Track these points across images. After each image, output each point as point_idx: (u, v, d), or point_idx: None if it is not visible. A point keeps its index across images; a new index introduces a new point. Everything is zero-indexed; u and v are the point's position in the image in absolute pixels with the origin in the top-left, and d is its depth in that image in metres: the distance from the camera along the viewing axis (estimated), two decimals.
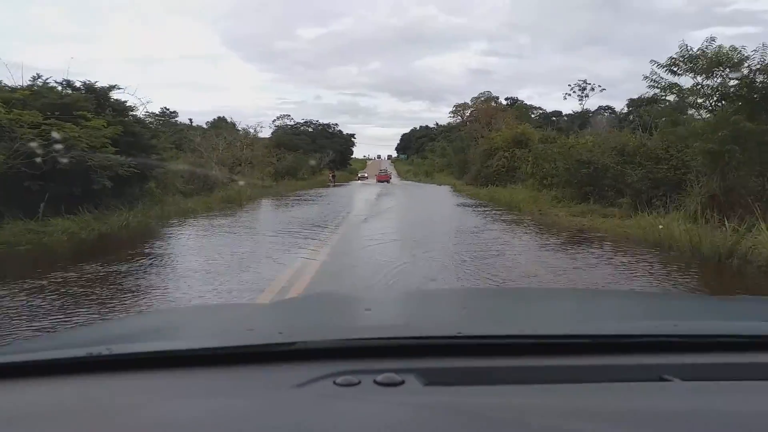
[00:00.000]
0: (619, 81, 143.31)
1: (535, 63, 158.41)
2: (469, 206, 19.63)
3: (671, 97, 12.13)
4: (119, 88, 14.79)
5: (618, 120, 49.58)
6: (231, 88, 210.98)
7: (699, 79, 10.98)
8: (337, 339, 1.05)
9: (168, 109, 58.07)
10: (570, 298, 2.24)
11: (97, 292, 5.95)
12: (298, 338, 1.03)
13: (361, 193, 30.73)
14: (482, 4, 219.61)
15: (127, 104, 15.36)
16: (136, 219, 12.14)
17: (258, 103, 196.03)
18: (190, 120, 58.92)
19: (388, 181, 57.21)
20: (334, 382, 0.85)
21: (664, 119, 13.43)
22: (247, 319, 1.60)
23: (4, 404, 0.84)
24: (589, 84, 71.99)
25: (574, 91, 72.78)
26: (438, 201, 24.02)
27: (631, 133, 18.54)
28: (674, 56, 11.12)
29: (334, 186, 43.33)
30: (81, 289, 6.00)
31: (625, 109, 65.31)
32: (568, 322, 1.46)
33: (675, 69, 11.14)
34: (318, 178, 49.09)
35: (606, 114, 68.71)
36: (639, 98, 64.52)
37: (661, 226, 9.45)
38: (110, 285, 6.30)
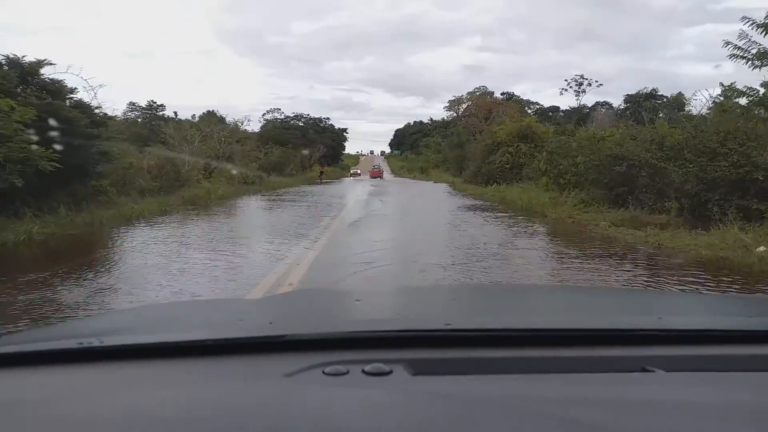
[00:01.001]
0: (613, 77, 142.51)
1: (529, 59, 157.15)
2: (479, 210, 16.43)
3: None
4: (51, 64, 12.00)
5: (616, 116, 47.28)
6: (224, 83, 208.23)
7: None
8: (326, 330, 1.09)
9: (155, 102, 55.25)
10: (559, 294, 2.39)
11: None
12: (287, 329, 1.09)
13: (352, 192, 27.83)
14: None
15: (65, 85, 12.58)
16: (48, 230, 9.30)
17: (251, 98, 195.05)
18: (175, 113, 56.11)
19: (381, 177, 58.64)
20: (323, 372, 0.86)
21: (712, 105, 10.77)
22: (238, 312, 1.59)
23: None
24: (586, 79, 70.21)
25: (570, 86, 70.98)
26: (439, 202, 20.91)
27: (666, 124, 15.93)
28: None
29: (323, 183, 40.00)
30: None
31: (623, 105, 63.74)
32: (554, 315, 1.47)
33: None
34: (307, 174, 46.35)
35: (603, 109, 66.75)
36: (637, 93, 63.41)
37: (762, 248, 6.82)
38: None
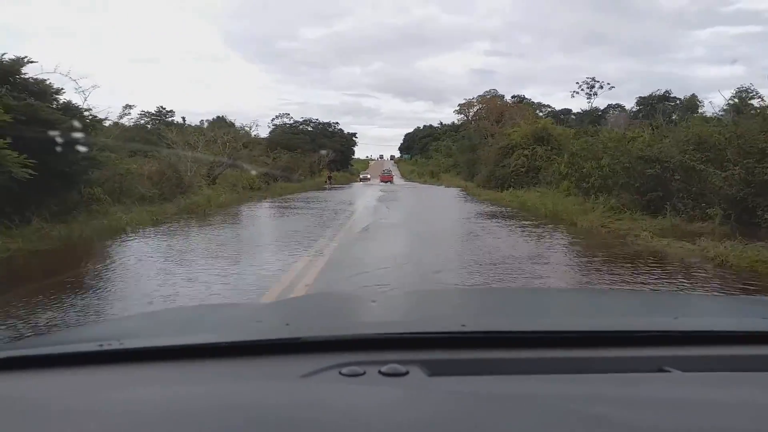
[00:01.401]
0: (622, 81, 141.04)
1: (538, 63, 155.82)
2: (500, 218, 14.88)
3: None
4: (32, 62, 11.06)
5: (630, 118, 46.03)
6: (233, 89, 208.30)
7: None
8: (342, 332, 1.09)
9: (164, 108, 54.78)
10: (573, 296, 2.46)
11: None
12: (304, 331, 1.10)
13: (361, 198, 26.74)
14: (484, 3, 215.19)
15: (50, 85, 11.64)
16: (16, 245, 8.23)
17: (260, 103, 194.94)
18: (183, 118, 55.52)
19: (391, 181, 58.65)
20: (340, 373, 0.86)
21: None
22: (254, 315, 1.60)
23: (20, 394, 0.85)
24: (598, 82, 69.19)
25: (582, 89, 69.99)
26: (454, 208, 19.62)
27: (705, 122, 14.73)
28: None
29: (331, 189, 38.81)
30: None
31: (636, 108, 62.45)
32: (569, 317, 1.48)
33: None
34: (316, 180, 45.34)
35: (616, 112, 65.60)
36: (650, 96, 62.14)
37: None
38: None
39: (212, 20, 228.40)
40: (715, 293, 5.88)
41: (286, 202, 22.19)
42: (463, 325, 1.05)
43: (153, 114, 65.78)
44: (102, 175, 16.59)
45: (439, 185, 46.63)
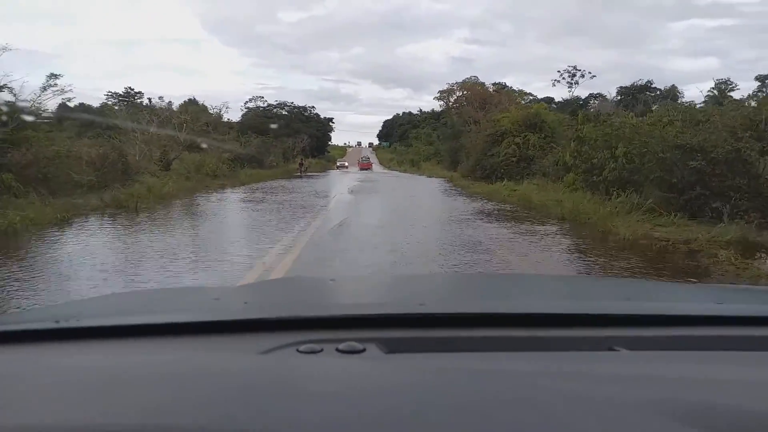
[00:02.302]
0: (601, 71, 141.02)
1: (517, 52, 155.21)
2: (504, 220, 11.84)
3: None
4: None
5: (614, 107, 44.15)
6: (211, 73, 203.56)
7: None
8: (301, 313, 1.07)
9: (132, 89, 51.04)
10: (538, 281, 2.45)
11: None
12: (263, 310, 1.15)
13: (337, 187, 24.02)
14: None
15: None
16: None
17: (238, 88, 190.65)
18: (149, 99, 51.84)
19: (370, 169, 57.52)
20: (297, 350, 0.86)
21: None
22: (214, 297, 1.54)
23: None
24: (579, 70, 67.49)
25: (563, 78, 68.15)
26: (445, 205, 16.15)
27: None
28: None
29: (303, 177, 35.43)
30: None
31: (618, 97, 60.98)
32: (530, 300, 1.48)
33: None
34: (289, 166, 42.43)
35: (598, 101, 64.16)
36: (632, 86, 60.91)
37: None
38: None
39: (189, 2, 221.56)
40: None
41: (245, 193, 19.09)
42: (422, 305, 1.10)
43: (121, 95, 61.92)
44: (22, 159, 13.86)
45: (420, 175, 43.98)
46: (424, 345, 0.93)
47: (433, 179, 34.81)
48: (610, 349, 0.93)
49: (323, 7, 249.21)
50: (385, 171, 57.44)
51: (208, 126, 28.07)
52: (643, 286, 2.74)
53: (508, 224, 11.18)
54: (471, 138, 34.61)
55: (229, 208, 14.37)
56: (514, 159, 25.23)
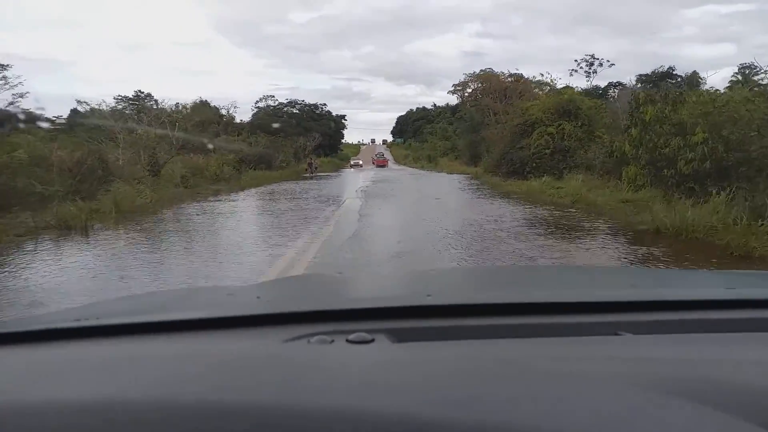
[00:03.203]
0: (615, 61, 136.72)
1: (529, 44, 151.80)
2: (577, 238, 8.30)
3: None
4: None
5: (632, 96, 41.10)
6: (223, 74, 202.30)
7: None
8: (311, 306, 1.09)
9: (142, 92, 49.04)
10: (549, 272, 2.57)
11: None
12: (274, 304, 1.19)
13: (349, 190, 21.35)
14: None
15: None
16: None
17: (250, 89, 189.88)
18: (156, 101, 49.66)
19: (385, 166, 57.10)
20: (308, 341, 0.88)
21: None
22: (228, 293, 1.59)
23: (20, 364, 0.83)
24: (597, 59, 64.26)
25: (581, 67, 64.94)
26: (480, 208, 12.83)
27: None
28: None
29: (312, 178, 32.31)
30: None
31: (638, 85, 57.87)
32: (538, 290, 1.49)
33: None
34: (300, 167, 39.87)
35: (618, 90, 61.05)
36: (653, 73, 57.74)
37: None
38: None
39: (201, 4, 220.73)
40: None
41: (238, 201, 16.15)
42: (429, 296, 1.11)
43: (131, 99, 60.06)
44: None
45: (439, 172, 41.07)
46: (431, 334, 0.95)
47: (455, 176, 32.08)
48: (617, 334, 0.94)
49: (333, 7, 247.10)
50: (401, 168, 54.79)
51: (218, 125, 25.66)
52: (651, 273, 3.03)
53: (585, 243, 8.01)
54: (495, 130, 31.86)
55: (212, 224, 10.87)
56: (547, 151, 22.48)
